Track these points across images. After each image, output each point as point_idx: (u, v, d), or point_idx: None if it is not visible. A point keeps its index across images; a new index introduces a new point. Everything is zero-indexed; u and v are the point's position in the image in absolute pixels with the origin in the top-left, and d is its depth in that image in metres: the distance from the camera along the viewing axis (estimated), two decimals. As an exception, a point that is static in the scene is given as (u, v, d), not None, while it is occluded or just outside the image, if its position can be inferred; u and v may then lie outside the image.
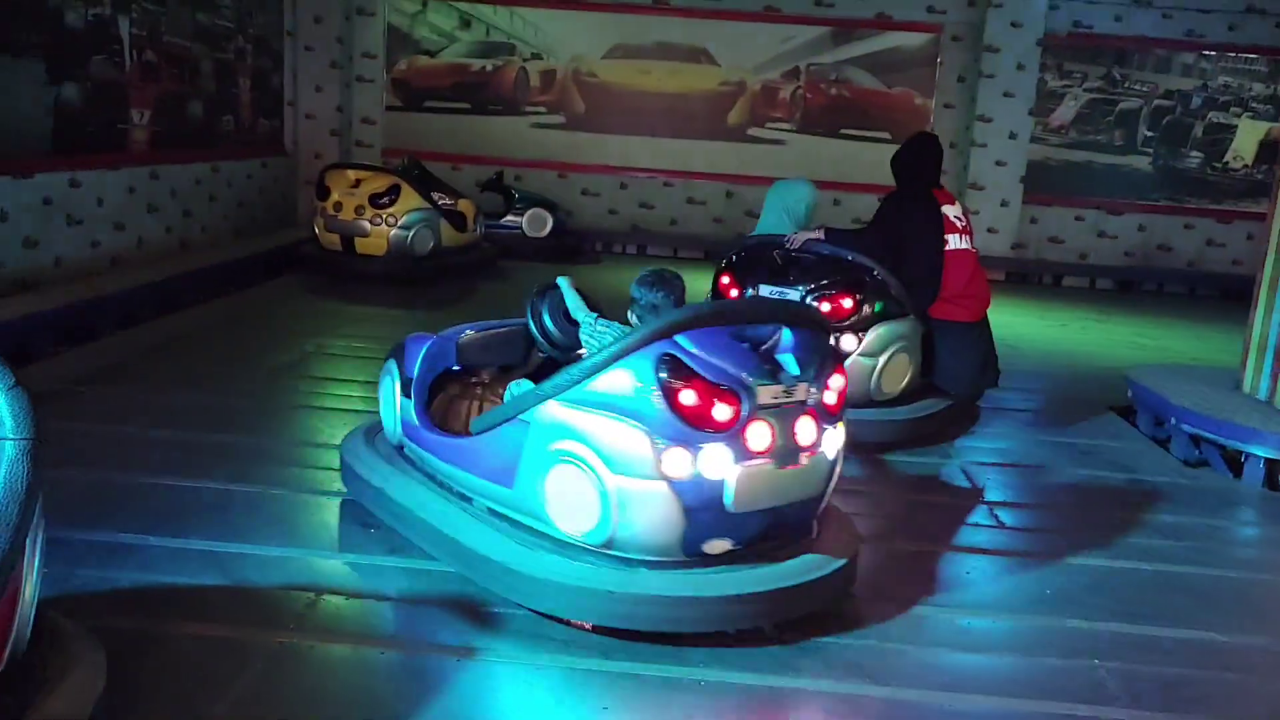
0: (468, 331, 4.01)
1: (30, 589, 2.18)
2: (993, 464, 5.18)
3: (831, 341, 3.39)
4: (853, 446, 4.98)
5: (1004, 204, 11.74)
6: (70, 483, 3.93)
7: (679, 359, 2.98)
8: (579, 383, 3.07)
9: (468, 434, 3.53)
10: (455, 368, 3.97)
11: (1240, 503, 4.91)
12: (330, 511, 4.04)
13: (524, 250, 10.74)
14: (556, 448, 3.10)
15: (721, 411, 2.96)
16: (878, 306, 5.16)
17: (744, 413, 2.98)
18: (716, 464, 2.98)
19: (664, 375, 2.96)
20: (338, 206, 8.84)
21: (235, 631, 2.99)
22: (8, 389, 2.11)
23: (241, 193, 10.26)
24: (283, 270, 9.34)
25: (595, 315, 3.58)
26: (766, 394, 3.03)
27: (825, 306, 5.08)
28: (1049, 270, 12.14)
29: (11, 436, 2.08)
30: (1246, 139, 12.05)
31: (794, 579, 3.13)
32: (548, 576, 3.08)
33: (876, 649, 3.19)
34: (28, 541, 2.10)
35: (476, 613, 3.21)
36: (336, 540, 3.79)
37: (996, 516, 4.43)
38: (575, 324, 3.64)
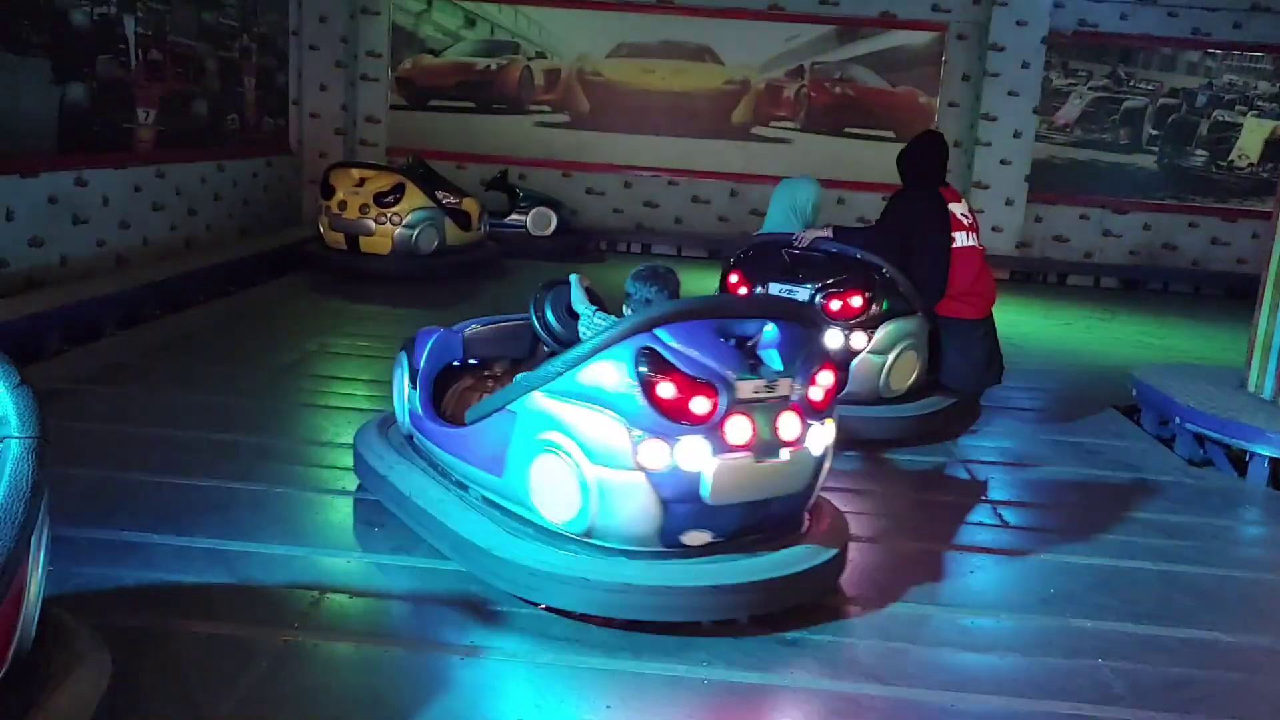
0: (473, 325, 4.09)
1: (35, 587, 2.19)
2: (996, 463, 5.18)
3: (822, 338, 3.41)
4: (862, 443, 5.09)
5: (1009, 203, 11.72)
6: (75, 481, 3.95)
7: (658, 353, 3.03)
8: (562, 374, 3.14)
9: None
10: (464, 361, 4.05)
11: (1245, 502, 4.91)
12: (335, 510, 4.05)
13: (528, 249, 10.74)
14: (541, 438, 3.18)
15: (699, 405, 3.01)
16: (885, 304, 5.18)
17: (722, 406, 3.03)
18: (694, 456, 3.02)
19: (642, 368, 3.02)
20: (342, 205, 8.86)
21: (239, 630, 2.99)
22: (13, 387, 2.11)
23: (246, 191, 10.28)
24: (287, 269, 9.35)
25: (594, 309, 3.60)
26: (747, 388, 3.07)
27: (835, 304, 5.11)
28: (1054, 269, 12.13)
29: (17, 435, 2.08)
30: (1252, 137, 12.02)
31: (772, 572, 3.16)
32: (528, 563, 3.14)
33: (880, 648, 3.19)
34: (33, 539, 2.11)
35: (480, 611, 3.22)
36: (341, 539, 3.80)
37: (1000, 515, 4.42)
38: (577, 317, 3.68)
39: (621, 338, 3.07)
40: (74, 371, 5.69)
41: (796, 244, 5.41)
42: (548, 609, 3.20)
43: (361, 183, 8.96)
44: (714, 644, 3.12)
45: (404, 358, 3.99)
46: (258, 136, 10.56)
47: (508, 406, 3.32)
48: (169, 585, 3.25)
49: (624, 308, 3.56)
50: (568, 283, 3.83)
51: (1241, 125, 12.02)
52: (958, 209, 5.38)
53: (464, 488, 3.60)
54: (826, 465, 3.37)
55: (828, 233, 5.38)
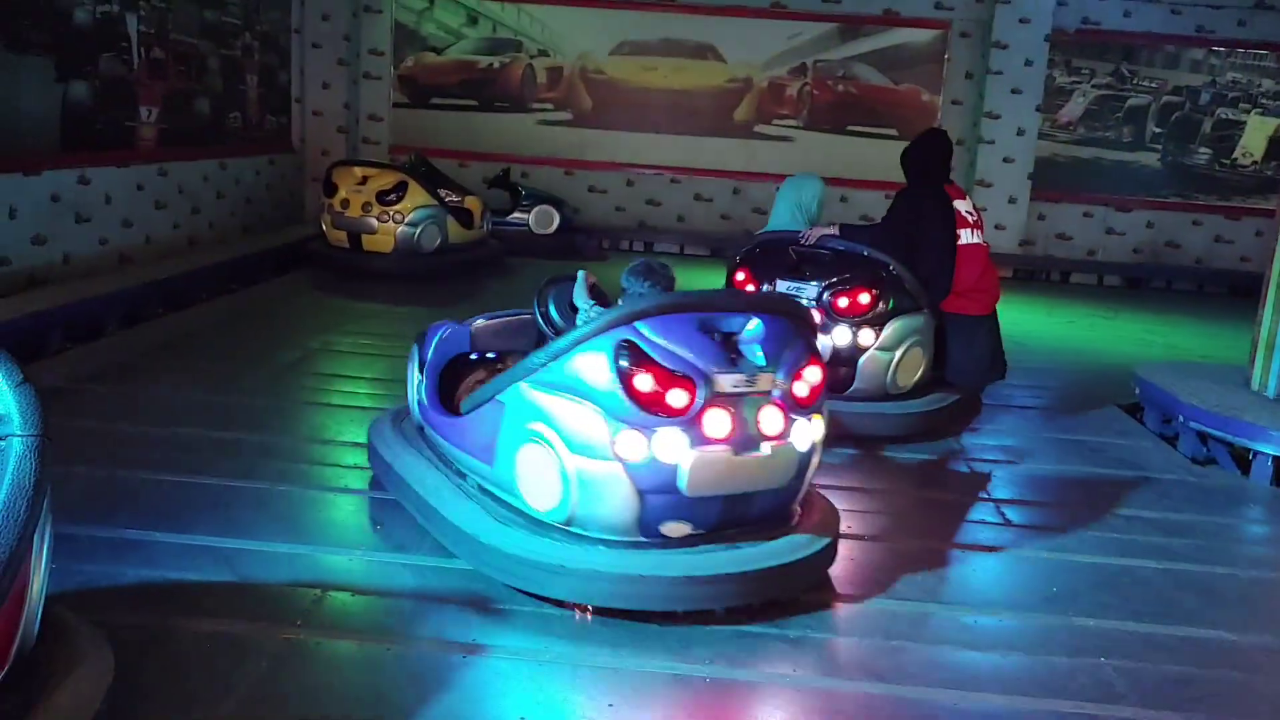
0: (480, 320, 4.18)
1: (37, 585, 2.19)
2: (999, 460, 5.17)
3: (812, 334, 3.42)
4: (868, 439, 5.12)
5: (1012, 201, 11.71)
6: (77, 479, 3.95)
7: (638, 346, 3.08)
8: (546, 365, 3.21)
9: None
10: (473, 354, 4.12)
11: (1248, 500, 4.90)
12: (336, 508, 4.06)
13: (531, 247, 10.74)
14: (526, 427, 3.25)
15: (676, 397, 3.05)
16: (891, 302, 5.21)
17: (700, 400, 3.07)
18: (671, 448, 3.06)
19: (621, 361, 3.07)
20: (345, 203, 8.86)
21: (241, 628, 2.99)
22: (15, 385, 2.11)
23: (249, 190, 10.28)
24: (290, 267, 9.35)
25: (592, 304, 3.63)
26: (726, 382, 3.11)
27: (843, 301, 5.15)
28: (1057, 267, 12.11)
29: (19, 433, 2.09)
30: (1255, 135, 12.00)
31: (748, 565, 3.18)
32: (510, 550, 3.21)
33: (882, 646, 3.18)
34: (35, 537, 2.11)
35: (482, 609, 3.22)
36: (343, 537, 3.81)
37: (1003, 513, 4.42)
38: (578, 312, 3.70)
39: (602, 330, 3.12)
40: (76, 370, 5.70)
41: (803, 242, 5.43)
42: (550, 600, 3.22)
43: (364, 181, 8.95)
44: (716, 642, 3.12)
45: (415, 350, 4.10)
46: (260, 134, 10.56)
47: (497, 397, 3.40)
48: (171, 583, 3.26)
49: (619, 302, 3.58)
50: (573, 279, 3.87)
51: (1245, 123, 11.99)
52: (962, 206, 5.41)
53: (463, 476, 3.68)
54: (815, 460, 3.39)
55: (834, 230, 5.40)
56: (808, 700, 2.88)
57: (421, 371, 3.98)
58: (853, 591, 3.56)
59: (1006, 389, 6.28)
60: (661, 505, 3.14)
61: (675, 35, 12.00)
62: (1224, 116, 11.96)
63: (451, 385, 3.96)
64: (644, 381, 3.06)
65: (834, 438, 5.07)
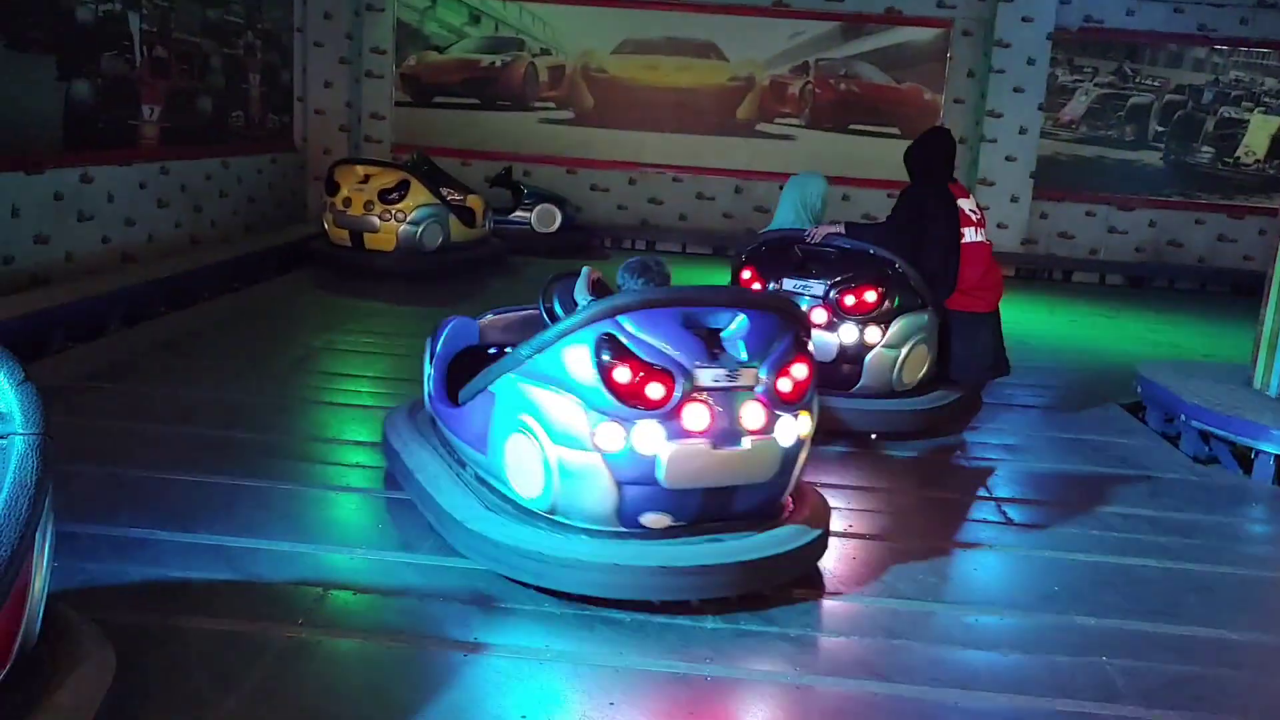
0: (490, 315, 4.29)
1: (40, 583, 2.19)
2: (1001, 459, 5.18)
3: (801, 331, 3.44)
4: (873, 435, 5.16)
5: (1014, 199, 11.69)
6: (80, 477, 3.95)
7: (618, 339, 3.14)
8: (531, 357, 3.30)
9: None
10: (479, 346, 4.21)
11: (1250, 499, 4.89)
12: (339, 507, 4.06)
13: (533, 245, 10.74)
14: (513, 418, 3.34)
15: (654, 390, 3.10)
16: (896, 300, 5.24)
17: (678, 393, 3.11)
18: (649, 440, 3.12)
19: (601, 354, 3.13)
20: (347, 202, 8.86)
21: (244, 626, 3.00)
22: (18, 384, 2.12)
23: (251, 188, 10.29)
24: (292, 266, 9.36)
25: (590, 299, 3.65)
26: (706, 376, 3.16)
27: (849, 299, 5.18)
28: (1059, 266, 12.10)
29: (21, 431, 2.09)
30: (1258, 134, 11.98)
31: (725, 558, 3.21)
32: (493, 536, 3.29)
33: (884, 645, 3.19)
34: (37, 536, 2.11)
35: (484, 608, 3.22)
36: (346, 535, 3.81)
37: (1004, 512, 4.42)
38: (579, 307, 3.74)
39: (585, 324, 3.18)
40: (79, 368, 5.71)
41: (809, 240, 5.45)
42: (548, 591, 3.27)
43: (366, 179, 8.95)
44: (717, 640, 3.12)
45: (428, 343, 4.19)
46: (262, 133, 10.57)
47: (489, 388, 3.49)
48: (174, 582, 3.26)
49: None
50: (578, 274, 3.91)
51: (1248, 122, 11.97)
52: (966, 205, 5.44)
53: (464, 465, 3.76)
54: (802, 456, 3.42)
55: (839, 229, 5.43)
56: (809, 699, 2.88)
57: (431, 364, 4.07)
58: (854, 590, 3.56)
59: (1008, 388, 6.28)
60: (640, 496, 3.19)
61: (677, 34, 11.99)
62: (1227, 115, 11.95)
63: (462, 379, 4.01)
64: (623, 374, 3.11)
65: (837, 435, 5.13)
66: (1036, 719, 2.84)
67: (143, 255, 8.22)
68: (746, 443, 3.21)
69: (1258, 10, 11.63)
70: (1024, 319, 8.66)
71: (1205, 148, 12.02)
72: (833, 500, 4.32)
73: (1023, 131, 11.57)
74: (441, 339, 4.09)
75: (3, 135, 6.65)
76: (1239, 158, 12.02)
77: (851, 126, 12.05)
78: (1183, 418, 5.43)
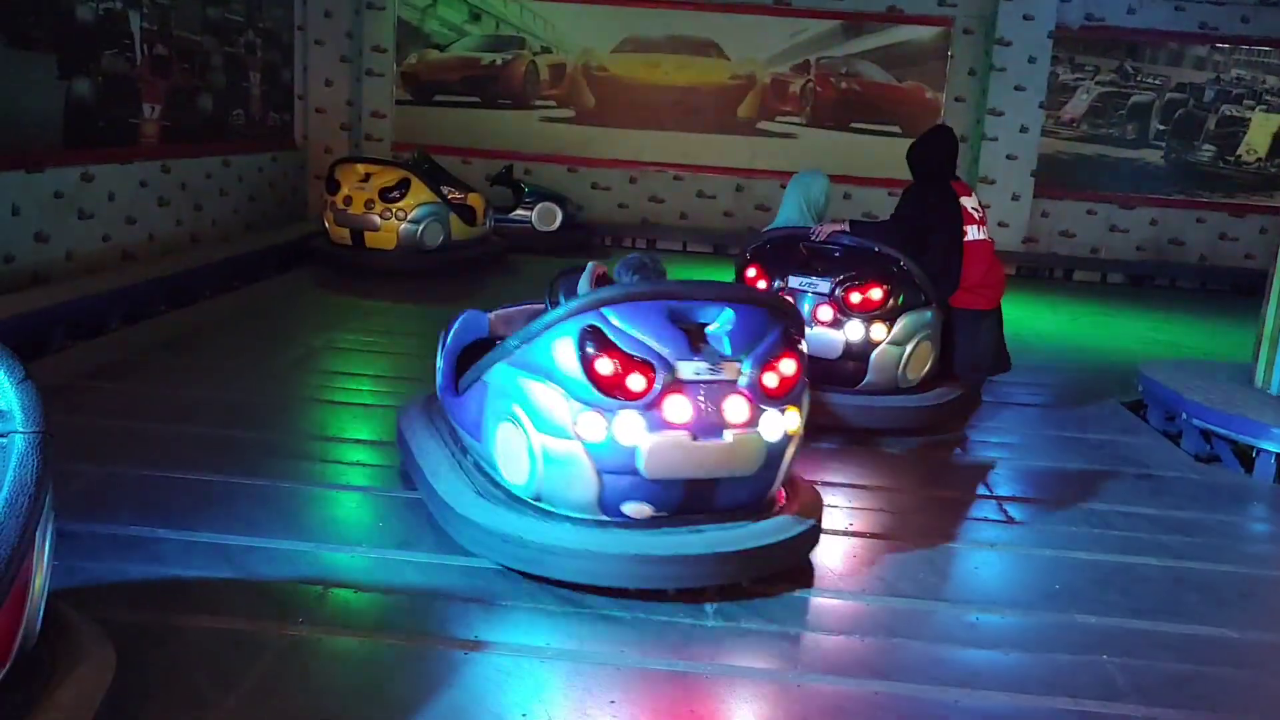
0: (500, 310, 4.36)
1: (40, 581, 2.19)
2: (1002, 458, 5.17)
3: (791, 327, 3.46)
4: (877, 432, 5.19)
5: (1015, 198, 11.68)
6: (80, 476, 3.95)
7: (601, 331, 3.20)
8: (520, 348, 3.38)
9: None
10: (496, 341, 4.23)
11: (1251, 498, 4.89)
12: (339, 505, 4.06)
13: (534, 244, 10.73)
14: (503, 406, 3.43)
15: (635, 381, 3.16)
16: (901, 297, 5.27)
17: (658, 384, 3.17)
18: (630, 431, 3.17)
19: (584, 345, 3.19)
20: (347, 200, 8.85)
21: (245, 624, 3.00)
22: (18, 382, 2.12)
23: (252, 187, 10.29)
24: (293, 264, 9.36)
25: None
26: (688, 370, 3.21)
27: (855, 297, 5.21)
28: (1060, 264, 12.10)
29: (21, 429, 2.09)
30: (1259, 132, 11.97)
31: (707, 549, 3.25)
32: (479, 520, 3.37)
33: (885, 644, 3.18)
34: (37, 534, 2.11)
35: (485, 606, 3.22)
36: (346, 534, 3.81)
37: (1005, 511, 4.42)
38: None
39: (570, 316, 3.25)
40: (79, 367, 5.70)
41: (814, 238, 5.47)
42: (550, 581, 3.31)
43: (367, 178, 8.95)
44: (718, 639, 3.12)
45: (441, 335, 4.26)
46: (263, 132, 10.56)
47: (483, 377, 3.57)
48: (174, 580, 3.26)
49: None
50: (584, 269, 3.96)
51: (1249, 120, 11.96)
52: (968, 203, 5.49)
53: (465, 453, 3.83)
54: (790, 451, 3.44)
55: (844, 227, 5.46)
56: (810, 697, 2.88)
57: (442, 355, 4.14)
58: (855, 589, 3.57)
59: (1009, 386, 6.28)
60: (621, 486, 3.24)
61: (678, 32, 11.98)
62: (1228, 113, 11.93)
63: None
64: (604, 365, 3.17)
65: (839, 433, 5.13)
66: (1037, 717, 2.84)
67: (143, 254, 8.22)
68: (729, 436, 3.25)
69: (1259, 8, 11.62)
70: (1025, 317, 8.67)
71: (1206, 146, 12.01)
72: (833, 498, 4.34)
73: (1024, 130, 11.56)
74: (452, 332, 4.17)
75: (3, 134, 6.65)
76: (1240, 156, 12.01)
77: (853, 125, 12.05)
78: (1184, 416, 5.43)
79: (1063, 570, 3.82)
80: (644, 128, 12.11)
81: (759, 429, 3.29)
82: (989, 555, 3.97)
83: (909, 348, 5.26)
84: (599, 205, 12.16)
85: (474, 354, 4.11)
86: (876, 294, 5.19)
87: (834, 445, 5.10)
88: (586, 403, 3.19)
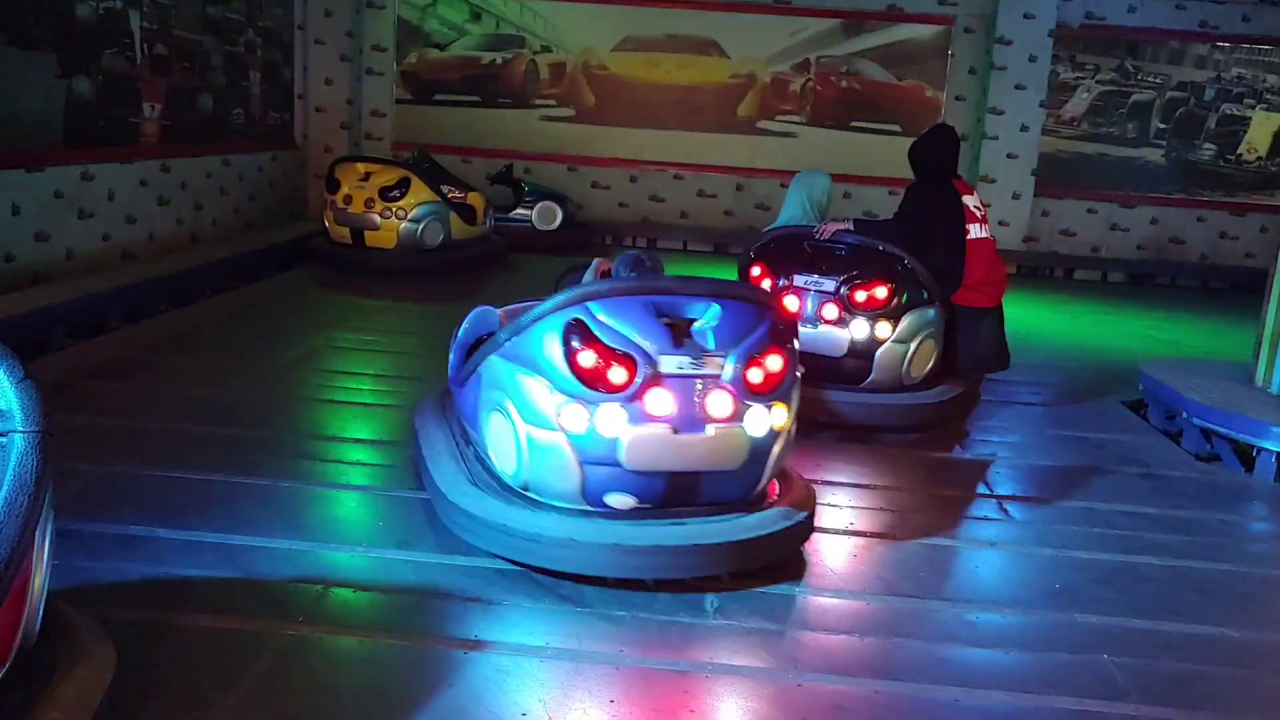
0: (508, 306, 4.40)
1: (40, 581, 2.19)
2: (1002, 457, 5.17)
3: (779, 324, 3.48)
4: (881, 429, 5.22)
5: (1015, 197, 11.68)
6: (80, 475, 3.96)
7: (585, 324, 3.26)
8: (510, 340, 3.45)
9: None
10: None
11: (1252, 497, 4.89)
12: (340, 504, 4.06)
13: (534, 243, 10.73)
14: (493, 397, 3.51)
15: (617, 374, 3.22)
16: (905, 296, 5.29)
17: (640, 377, 3.22)
18: (611, 423, 3.23)
19: (568, 338, 3.26)
20: (347, 199, 8.85)
21: (245, 624, 3.00)
22: (17, 381, 2.11)
23: (252, 186, 10.29)
24: (293, 263, 9.35)
25: None
26: (670, 364, 3.25)
27: (860, 295, 5.23)
28: (1060, 263, 12.09)
29: (21, 429, 2.09)
30: (1260, 131, 11.97)
31: (685, 540, 3.29)
32: (467, 507, 3.44)
33: (884, 643, 3.18)
34: (37, 533, 2.11)
35: (485, 606, 3.22)
36: (346, 533, 3.81)
37: (1005, 510, 4.42)
38: None
39: (557, 309, 3.31)
40: (79, 366, 5.70)
41: (818, 236, 5.48)
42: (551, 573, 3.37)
43: (367, 177, 8.95)
44: (717, 638, 3.12)
45: (455, 330, 4.32)
46: (263, 131, 10.56)
47: (478, 368, 3.63)
48: (174, 579, 3.26)
49: None
50: (589, 266, 4.02)
51: (1250, 119, 11.96)
52: (970, 201, 5.53)
53: (469, 444, 3.89)
54: (777, 447, 3.45)
55: (848, 225, 5.48)
56: (809, 697, 2.87)
57: (453, 349, 4.20)
58: (855, 588, 3.57)
59: (1010, 385, 6.28)
60: (603, 477, 3.30)
61: (678, 31, 11.98)
62: (1229, 112, 11.93)
63: None
64: (587, 358, 3.23)
65: (842, 430, 5.13)
66: (1038, 717, 2.84)
67: (143, 253, 8.22)
68: (711, 430, 3.28)
69: (1259, 7, 11.61)
70: (1026, 316, 8.66)
71: (1207, 145, 12.00)
72: (834, 497, 4.35)
73: (1024, 129, 11.56)
74: (463, 326, 4.22)
75: (3, 133, 6.65)
76: (1241, 155, 12.00)
77: (853, 124, 12.04)
78: (1184, 415, 5.43)
79: (1063, 569, 3.82)
80: (644, 127, 12.10)
81: (743, 424, 3.33)
82: (989, 554, 3.97)
83: (913, 346, 5.29)
84: (599, 204, 12.16)
85: None
86: (881, 292, 5.22)
87: (835, 443, 5.10)
88: (570, 395, 3.26)
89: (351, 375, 5.90)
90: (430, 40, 12.11)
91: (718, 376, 3.29)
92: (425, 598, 3.28)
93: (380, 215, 8.80)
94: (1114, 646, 3.23)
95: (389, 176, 8.95)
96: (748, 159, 12.08)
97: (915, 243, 5.35)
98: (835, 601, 3.47)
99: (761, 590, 3.43)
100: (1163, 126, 11.99)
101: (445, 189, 9.33)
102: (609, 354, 3.23)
